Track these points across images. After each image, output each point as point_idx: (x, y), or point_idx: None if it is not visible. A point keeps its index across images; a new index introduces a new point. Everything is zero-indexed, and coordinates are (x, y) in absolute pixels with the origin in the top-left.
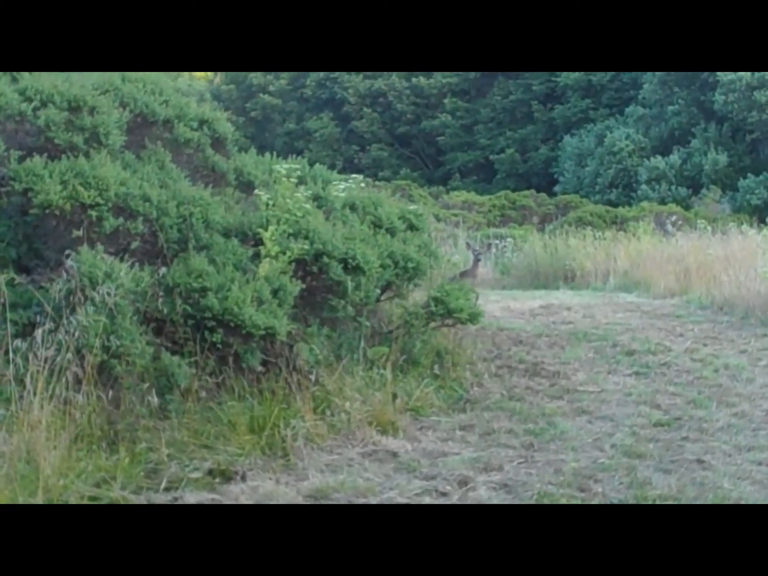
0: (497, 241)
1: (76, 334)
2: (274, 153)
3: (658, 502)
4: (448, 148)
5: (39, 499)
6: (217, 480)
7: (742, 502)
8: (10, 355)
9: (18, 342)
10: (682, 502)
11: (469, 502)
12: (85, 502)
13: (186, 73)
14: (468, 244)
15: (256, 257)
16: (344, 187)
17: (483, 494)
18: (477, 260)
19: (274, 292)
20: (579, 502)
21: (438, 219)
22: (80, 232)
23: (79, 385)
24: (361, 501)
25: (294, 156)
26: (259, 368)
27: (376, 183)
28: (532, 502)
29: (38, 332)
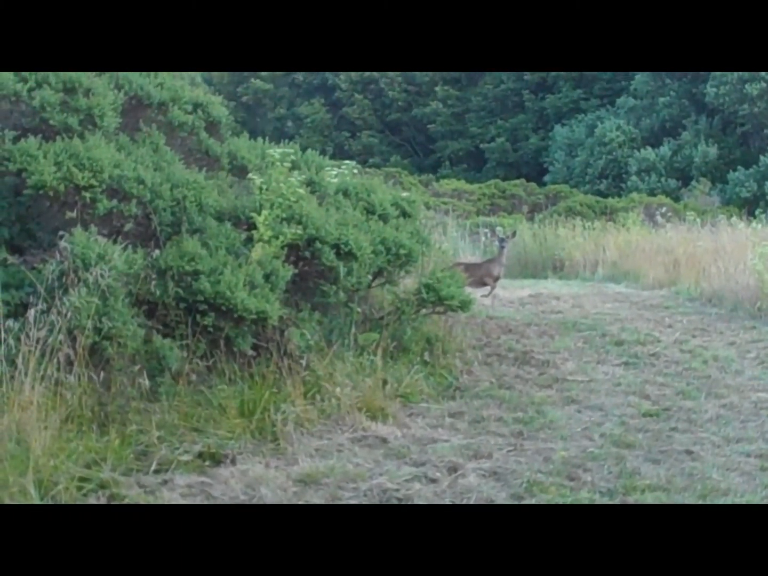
0: (486, 230)
1: (69, 315)
2: (266, 138)
3: (647, 493)
4: (439, 136)
5: (29, 479)
6: (207, 463)
7: (731, 494)
8: (2, 335)
9: (10, 322)
10: (671, 493)
11: (458, 489)
12: (75, 483)
13: None
14: (494, 231)
15: (249, 241)
16: (337, 173)
17: (472, 481)
18: (502, 247)
19: (267, 277)
20: (568, 492)
21: (428, 207)
22: (74, 214)
23: (71, 366)
24: (351, 486)
25: (285, 141)
26: (250, 352)
27: (367, 170)
28: (522, 490)
29: (30, 313)
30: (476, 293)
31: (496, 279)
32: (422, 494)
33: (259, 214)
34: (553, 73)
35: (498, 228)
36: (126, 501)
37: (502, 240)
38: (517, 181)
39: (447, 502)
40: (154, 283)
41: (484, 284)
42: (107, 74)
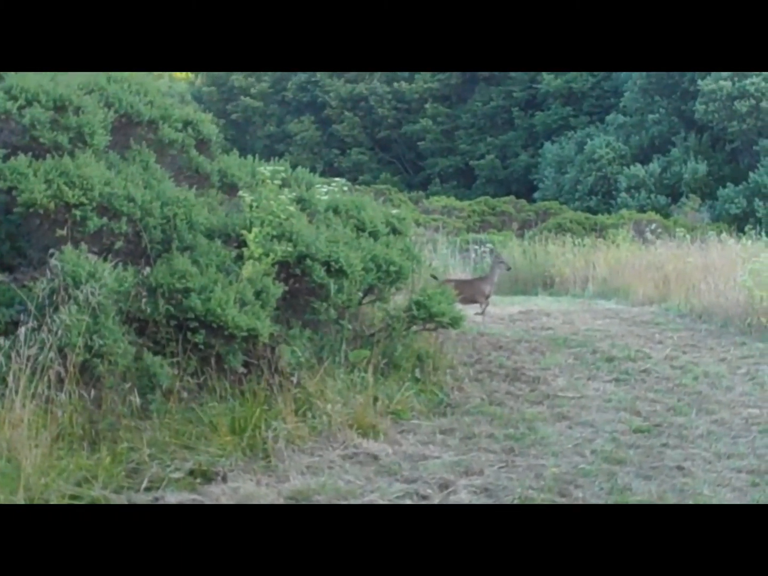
0: (476, 247)
1: (59, 333)
2: (256, 156)
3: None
4: (429, 153)
5: (20, 497)
6: (198, 480)
7: None
8: None
9: (0, 340)
10: None
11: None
12: (66, 501)
13: (167, 75)
14: (491, 250)
15: (240, 259)
16: (327, 190)
17: (464, 498)
18: (509, 268)
19: (257, 294)
20: None
21: (417, 224)
22: (64, 232)
23: (62, 384)
24: (342, 503)
25: (275, 159)
26: (241, 369)
27: (357, 187)
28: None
29: (21, 331)
30: (468, 310)
31: (487, 297)
32: None
33: (250, 231)
34: (542, 90)
35: (488, 244)
36: None
37: (497, 259)
38: (506, 198)
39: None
40: (144, 300)
41: (474, 301)
42: (97, 92)
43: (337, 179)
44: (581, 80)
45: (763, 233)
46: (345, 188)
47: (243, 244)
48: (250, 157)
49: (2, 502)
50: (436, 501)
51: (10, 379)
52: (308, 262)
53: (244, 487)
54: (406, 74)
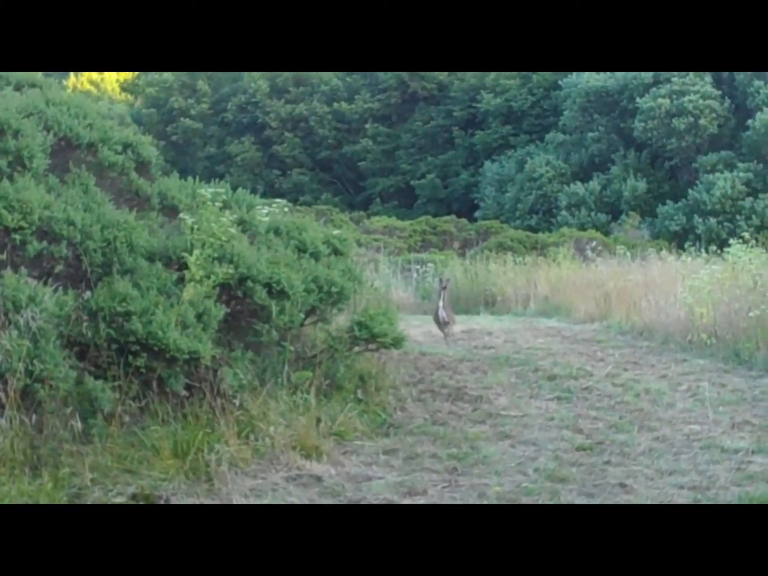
0: (418, 266)
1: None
2: (196, 177)
3: None
4: (369, 173)
5: None
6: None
7: None
8: None
9: None
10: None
11: None
12: None
13: (107, 96)
14: (448, 279)
15: (181, 281)
16: (268, 211)
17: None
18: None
19: (199, 317)
20: None
21: (359, 244)
22: (3, 256)
23: (2, 409)
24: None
25: (215, 180)
26: (183, 393)
27: (298, 208)
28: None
29: None
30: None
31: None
32: None
33: (191, 253)
34: (482, 110)
35: (429, 264)
36: None
37: (441, 283)
38: (448, 218)
39: None
40: (85, 324)
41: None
42: (36, 115)
43: (277, 200)
44: (521, 99)
45: (702, 250)
46: (286, 209)
47: (184, 266)
48: (190, 178)
49: None
50: None
51: None
52: (249, 283)
53: None
54: (345, 94)
